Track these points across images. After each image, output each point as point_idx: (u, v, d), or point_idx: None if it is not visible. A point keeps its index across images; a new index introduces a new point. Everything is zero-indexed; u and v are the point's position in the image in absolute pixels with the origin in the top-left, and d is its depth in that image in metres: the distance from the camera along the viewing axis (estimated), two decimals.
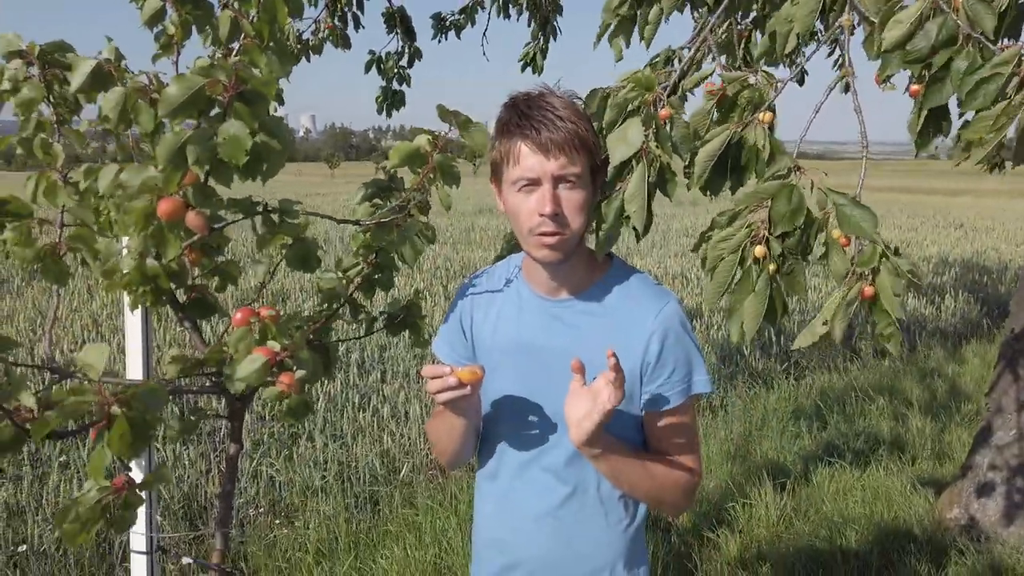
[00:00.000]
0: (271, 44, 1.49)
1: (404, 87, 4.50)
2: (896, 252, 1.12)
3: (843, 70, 1.20)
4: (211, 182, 1.22)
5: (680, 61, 1.96)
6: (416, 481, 3.93)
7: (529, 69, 4.48)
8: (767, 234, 1.15)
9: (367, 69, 4.41)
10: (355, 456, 4.04)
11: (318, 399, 4.77)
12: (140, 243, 1.28)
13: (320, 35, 3.99)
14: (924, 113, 1.14)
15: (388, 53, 4.42)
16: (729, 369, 6.19)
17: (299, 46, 3.99)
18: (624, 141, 1.24)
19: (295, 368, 1.34)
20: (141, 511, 1.54)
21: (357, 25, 4.19)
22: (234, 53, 1.48)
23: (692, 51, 1.51)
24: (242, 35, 1.48)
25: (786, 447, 4.51)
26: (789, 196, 1.14)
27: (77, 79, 1.38)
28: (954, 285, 10.02)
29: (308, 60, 4.09)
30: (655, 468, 1.30)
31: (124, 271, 1.31)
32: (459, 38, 4.78)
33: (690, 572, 3.09)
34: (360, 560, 3.17)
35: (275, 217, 1.32)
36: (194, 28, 1.50)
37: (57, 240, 1.42)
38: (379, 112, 4.44)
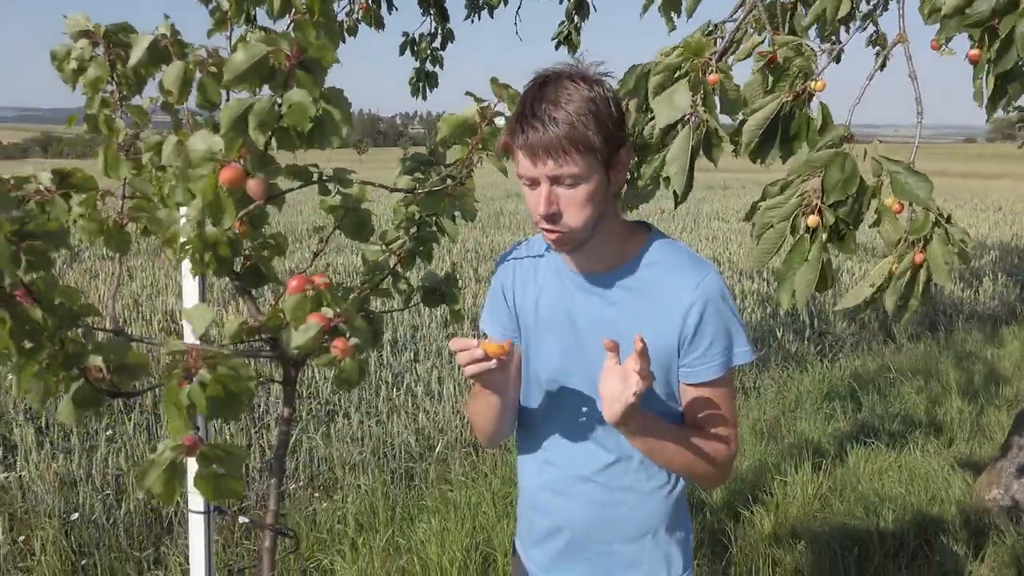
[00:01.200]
0: (321, 19, 1.53)
1: (437, 69, 4.52)
2: (948, 220, 1.12)
3: (897, 36, 1.20)
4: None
5: (723, 36, 1.96)
6: (451, 458, 3.99)
7: (564, 48, 4.47)
8: (819, 203, 1.16)
9: (401, 51, 4.43)
10: (390, 433, 4.10)
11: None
12: (199, 212, 1.32)
13: (354, 16, 4.02)
14: (992, 78, 1.14)
15: (421, 35, 4.44)
16: (762, 351, 6.16)
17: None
18: (670, 105, 1.25)
19: (348, 334, 1.38)
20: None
21: (391, 6, 4.21)
22: (286, 28, 1.52)
23: (741, 18, 1.51)
24: (292, 10, 1.51)
25: (820, 428, 4.50)
26: (842, 165, 1.15)
27: (135, 55, 1.42)
28: (993, 268, 9.85)
29: (344, 41, 4.12)
30: (691, 443, 1.30)
31: (184, 239, 1.35)
32: (492, 17, 4.77)
33: (724, 548, 3.10)
34: (398, 532, 3.23)
35: (330, 186, 1.36)
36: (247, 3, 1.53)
37: (119, 211, 1.48)
38: (413, 94, 4.47)
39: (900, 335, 6.77)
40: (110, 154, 1.51)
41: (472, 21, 4.92)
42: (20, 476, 3.35)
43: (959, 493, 3.59)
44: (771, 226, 1.19)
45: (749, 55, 1.33)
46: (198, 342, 1.60)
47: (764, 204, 1.19)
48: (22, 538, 2.99)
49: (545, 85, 1.22)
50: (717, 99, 1.31)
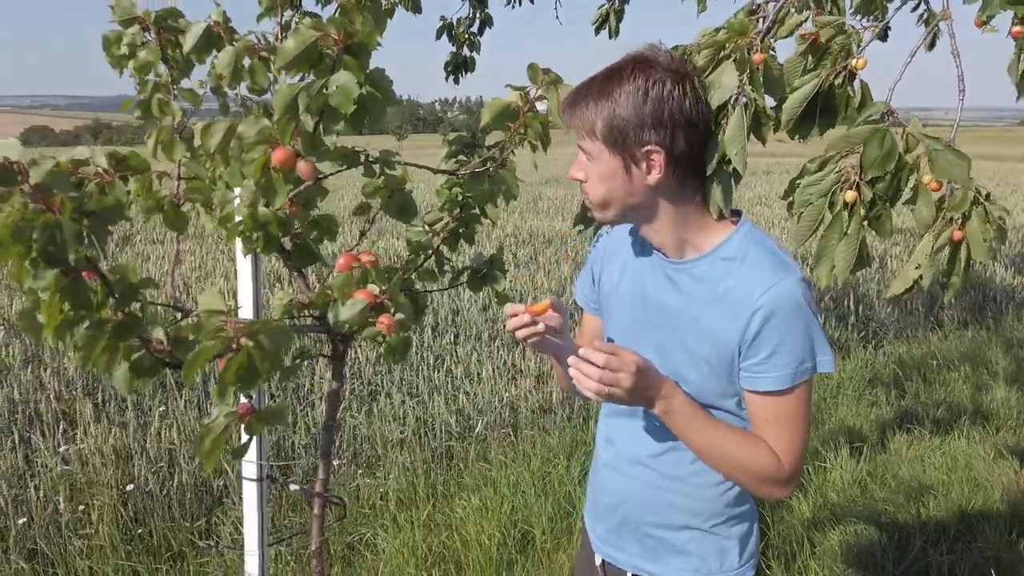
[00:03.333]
0: (368, 3, 1.57)
1: (474, 54, 4.54)
2: (988, 198, 1.12)
3: (942, 12, 1.19)
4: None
5: (764, 18, 1.95)
6: (490, 438, 4.05)
7: (604, 32, 4.45)
8: (857, 179, 1.16)
9: (438, 36, 4.46)
10: (431, 413, 4.17)
11: None
12: (251, 192, 1.38)
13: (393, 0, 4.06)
14: None
15: (459, 19, 4.46)
16: None
17: None
18: (719, 86, 1.26)
19: (393, 311, 1.43)
20: (252, 442, 1.68)
21: None
22: (334, 12, 1.56)
23: (780, 1, 1.51)
24: None
25: (862, 414, 4.45)
26: (881, 141, 1.15)
27: (190, 40, 1.48)
28: None
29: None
30: (731, 444, 1.26)
31: (238, 219, 1.41)
32: (532, 2, 4.77)
33: (761, 532, 3.11)
34: (438, 509, 3.30)
35: (376, 167, 1.40)
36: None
37: (175, 191, 1.54)
38: (447, 79, 4.50)
39: (948, 322, 6.63)
40: (164, 136, 1.57)
41: (513, 6, 4.94)
42: (80, 449, 3.50)
43: (1005, 480, 3.54)
44: (810, 203, 1.20)
45: (791, 34, 1.33)
46: (250, 314, 1.66)
47: (803, 181, 1.20)
48: (82, 507, 3.13)
49: (614, 68, 1.25)
50: (763, 76, 1.31)
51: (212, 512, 3.22)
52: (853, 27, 1.36)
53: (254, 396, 1.77)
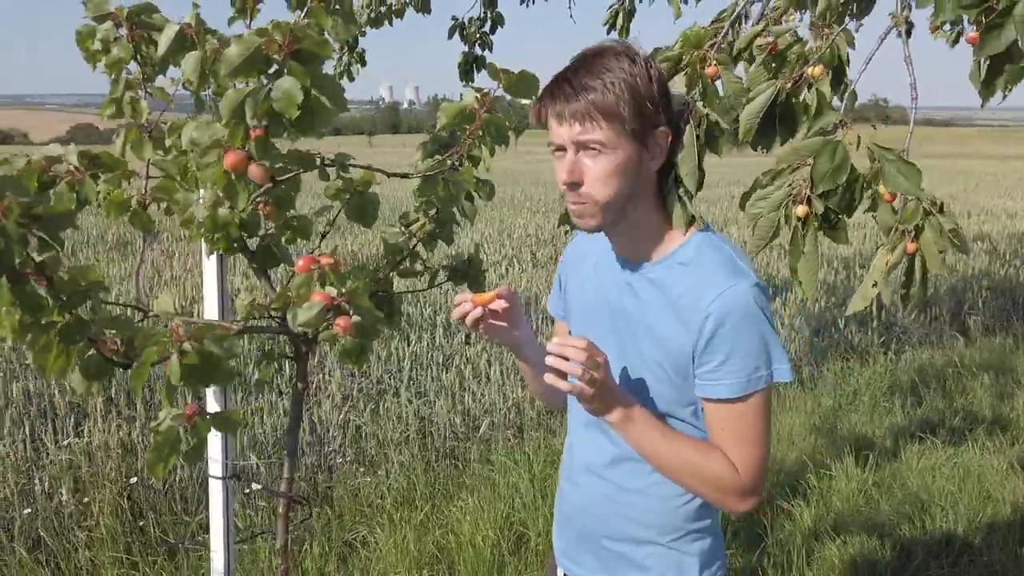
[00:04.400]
0: (337, 7, 1.57)
1: (486, 52, 4.54)
2: (940, 210, 1.08)
3: (895, 18, 1.16)
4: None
5: (747, 18, 1.92)
6: (494, 439, 4.04)
7: (614, 32, 4.42)
8: (809, 193, 1.14)
9: (450, 35, 4.48)
10: (437, 412, 4.19)
11: (404, 358, 4.96)
12: (213, 194, 1.39)
13: (403, 0, 4.08)
14: (985, 62, 1.10)
15: (471, 19, 4.47)
16: (823, 342, 5.99)
17: (383, 9, 4.09)
18: None
19: (352, 313, 1.43)
20: (217, 441, 1.69)
21: None
22: (303, 15, 1.57)
23: (739, 6, 1.48)
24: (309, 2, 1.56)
25: (876, 422, 4.36)
26: (832, 154, 1.12)
27: (163, 44, 1.48)
28: None
29: (391, 24, 4.20)
30: (691, 458, 1.23)
31: (199, 220, 1.43)
32: (546, 0, 4.76)
33: (759, 538, 3.07)
34: (436, 509, 3.31)
35: (331, 171, 1.41)
36: None
37: (143, 191, 1.56)
38: (461, 79, 4.51)
39: (973, 328, 6.47)
40: (132, 135, 1.58)
41: (527, 5, 4.93)
42: (87, 443, 3.58)
43: (1017, 493, 3.44)
44: (761, 215, 1.17)
45: (748, 45, 1.31)
46: (215, 318, 1.68)
47: (755, 194, 1.18)
48: (85, 500, 3.19)
49: (587, 58, 1.21)
50: (721, 90, 1.29)
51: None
52: (846, 31, 1.34)
53: (230, 397, 1.78)
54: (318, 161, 1.40)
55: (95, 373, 1.26)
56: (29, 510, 3.07)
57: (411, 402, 4.26)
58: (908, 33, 1.32)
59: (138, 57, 1.64)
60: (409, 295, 6.04)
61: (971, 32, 1.09)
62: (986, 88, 1.07)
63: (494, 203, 14.62)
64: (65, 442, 3.57)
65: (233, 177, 1.34)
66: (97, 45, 1.62)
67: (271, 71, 1.25)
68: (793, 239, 1.18)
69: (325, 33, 1.59)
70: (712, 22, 2.08)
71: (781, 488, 3.47)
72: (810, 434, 4.14)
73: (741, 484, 1.23)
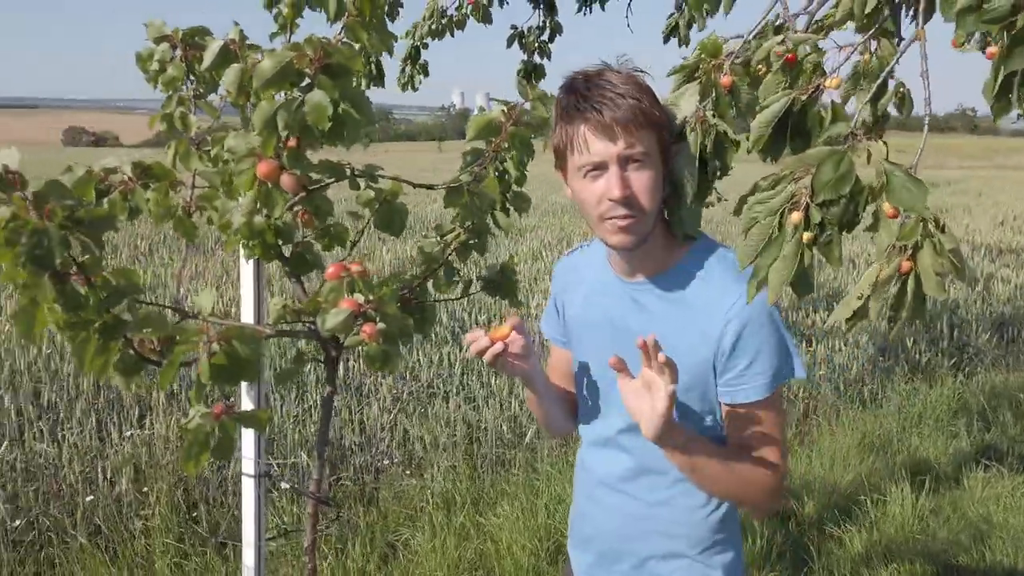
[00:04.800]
0: (373, 21, 1.62)
1: (545, 61, 4.56)
2: (942, 229, 1.04)
3: (917, 32, 1.12)
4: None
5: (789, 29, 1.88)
6: (540, 447, 4.05)
7: (674, 41, 4.37)
8: (808, 201, 1.11)
9: (509, 44, 4.51)
10: (484, 418, 4.21)
11: (455, 363, 5.00)
12: (250, 202, 1.45)
13: (463, 11, 4.14)
14: (1001, 77, 1.06)
15: (530, 28, 4.49)
16: (888, 362, 5.78)
17: (443, 21, 4.16)
18: (675, 110, 1.23)
19: (378, 320, 1.47)
20: (250, 440, 1.75)
21: (502, 0, 4.30)
22: (339, 30, 1.62)
23: (769, 15, 1.46)
24: (346, 14, 1.61)
25: (939, 446, 4.19)
26: (837, 164, 1.09)
27: (207, 59, 1.56)
28: None
29: (452, 35, 4.26)
30: (736, 466, 1.24)
31: (235, 227, 1.48)
32: (603, 9, 4.75)
33: (803, 562, 2.98)
34: (478, 514, 3.33)
35: (360, 181, 1.44)
36: (307, 8, 1.65)
37: (188, 200, 1.63)
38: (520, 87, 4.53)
39: None
40: (182, 147, 1.66)
41: (584, 14, 4.93)
42: (148, 434, 3.73)
43: None
44: (757, 221, 1.15)
45: (767, 56, 1.29)
46: (252, 321, 1.74)
47: (752, 199, 1.15)
48: (144, 490, 3.34)
49: (591, 77, 1.22)
50: (735, 100, 1.28)
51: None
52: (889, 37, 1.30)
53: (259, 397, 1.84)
54: (348, 171, 1.44)
55: (130, 370, 1.32)
56: (91, 497, 3.23)
57: (460, 407, 4.30)
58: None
59: (191, 76, 1.73)
60: (464, 302, 6.11)
61: (991, 48, 1.05)
62: (998, 103, 1.03)
63: (554, 210, 14.62)
64: (128, 433, 3.74)
65: (269, 186, 1.39)
66: (155, 65, 1.71)
67: (304, 84, 1.31)
68: (775, 241, 1.13)
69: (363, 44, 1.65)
70: (757, 32, 2.06)
71: (831, 511, 3.36)
72: (867, 457, 4.01)
73: (777, 482, 1.26)
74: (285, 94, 1.31)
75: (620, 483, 1.37)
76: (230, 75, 1.49)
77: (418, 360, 4.94)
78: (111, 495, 3.28)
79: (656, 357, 1.12)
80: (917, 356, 5.90)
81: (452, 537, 3.12)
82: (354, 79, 1.34)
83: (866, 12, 1.21)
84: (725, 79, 1.21)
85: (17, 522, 3.06)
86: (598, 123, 1.17)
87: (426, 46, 4.43)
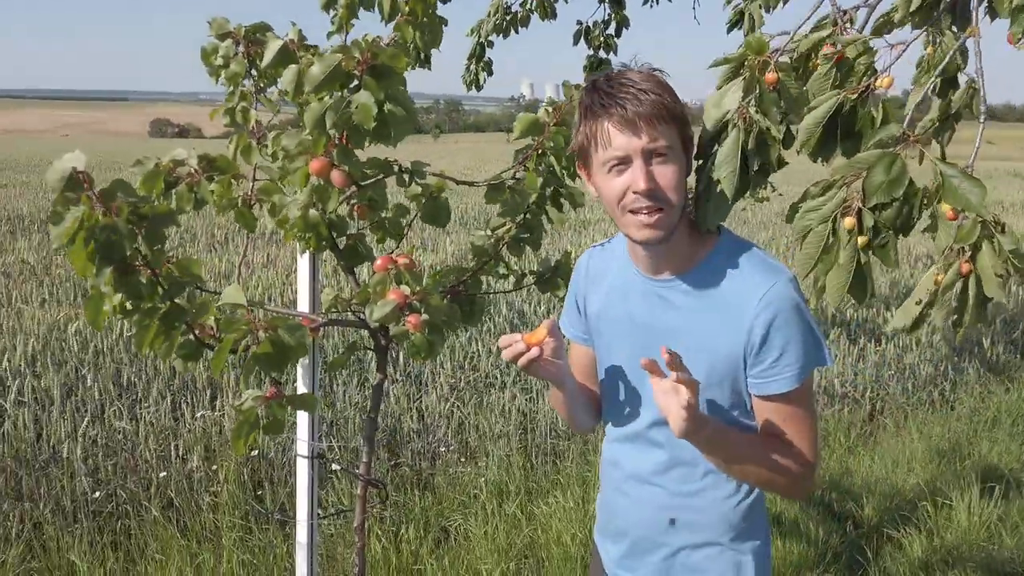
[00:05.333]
0: (424, 20, 1.66)
1: (611, 55, 4.54)
2: (1002, 229, 1.02)
3: (969, 29, 1.10)
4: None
5: (851, 24, 1.85)
6: (592, 439, 4.06)
7: (736, 31, 4.29)
8: (860, 205, 1.10)
9: (575, 40, 4.51)
10: (539, 409, 4.25)
11: None
12: (306, 197, 1.52)
13: (527, 7, 4.16)
14: None
15: (595, 23, 4.48)
16: (963, 362, 5.57)
17: (507, 18, 4.20)
18: (718, 105, 1.24)
19: (423, 311, 1.52)
20: (305, 422, 1.83)
21: None
22: (392, 29, 1.67)
23: (810, 13, 1.44)
24: (399, 14, 1.66)
25: (1012, 451, 4.02)
26: (889, 166, 1.08)
27: (267, 57, 1.63)
28: None
29: (516, 32, 4.29)
30: (765, 455, 1.26)
31: (291, 221, 1.56)
32: (670, 1, 4.70)
33: (860, 566, 2.92)
34: (529, 502, 3.38)
35: (406, 176, 1.50)
36: (362, 9, 1.71)
37: (248, 192, 1.72)
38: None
39: None
40: (243, 142, 1.74)
41: (651, 6, 4.88)
42: (220, 415, 3.92)
43: None
44: (811, 229, 1.15)
45: (812, 52, 1.28)
46: (307, 310, 1.82)
47: (804, 206, 1.15)
48: (214, 467, 3.51)
49: (613, 77, 1.24)
50: (780, 97, 1.27)
51: (324, 485, 3.50)
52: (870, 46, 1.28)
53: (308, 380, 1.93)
54: (396, 168, 1.49)
55: (191, 354, 1.41)
56: (165, 473, 3.41)
57: (515, 397, 4.35)
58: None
59: (252, 71, 1.81)
60: (524, 294, 6.15)
61: None
62: None
63: None
64: (200, 413, 3.93)
65: (322, 182, 1.46)
66: (219, 60, 1.80)
67: (352, 85, 1.36)
68: (830, 249, 1.14)
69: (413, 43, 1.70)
70: (814, 26, 2.04)
71: (891, 515, 3.28)
72: (933, 460, 3.88)
73: (808, 470, 1.28)
74: (334, 94, 1.38)
75: (652, 476, 1.39)
76: (288, 76, 1.55)
77: (476, 351, 5.01)
78: (183, 471, 3.46)
79: (675, 369, 1.12)
80: (994, 357, 5.66)
81: (503, 524, 3.18)
82: (400, 79, 1.39)
83: (911, 10, 1.18)
84: (770, 76, 1.21)
85: (97, 493, 3.27)
86: (622, 118, 1.18)
87: (491, 44, 4.48)
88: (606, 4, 4.53)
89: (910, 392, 4.91)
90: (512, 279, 1.94)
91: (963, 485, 3.48)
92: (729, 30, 4.33)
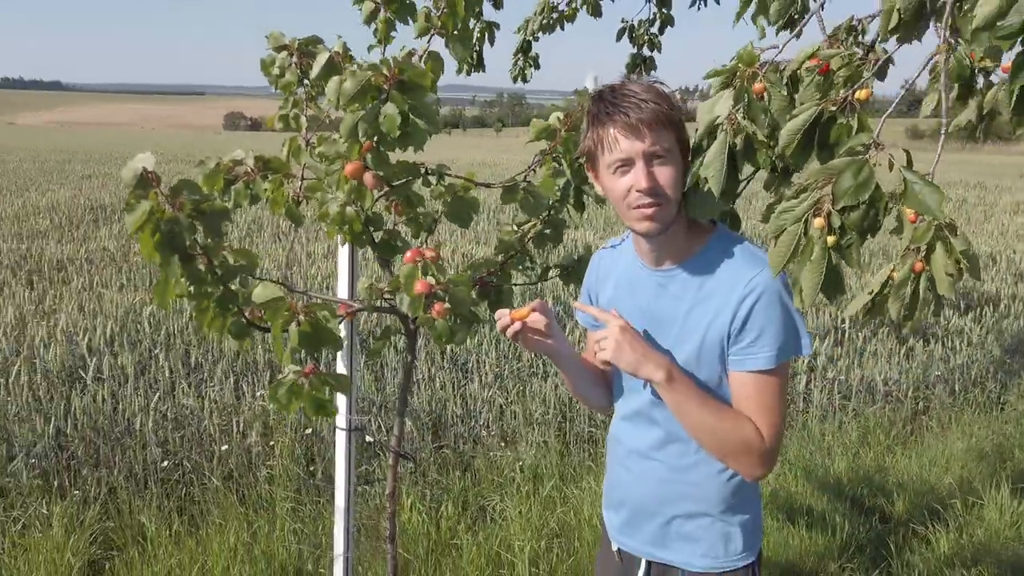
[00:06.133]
0: (455, 33, 1.83)
1: (655, 53, 4.63)
2: (953, 232, 1.12)
3: (939, 47, 1.20)
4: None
5: (863, 32, 1.94)
6: None
7: (785, 33, 4.33)
8: (830, 207, 1.22)
9: (618, 37, 4.60)
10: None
11: None
12: (344, 195, 1.70)
13: (573, 5, 4.28)
14: (1016, 93, 1.12)
15: (640, 21, 4.57)
16: (1018, 362, 5.47)
17: (554, 16, 4.33)
18: (710, 112, 1.36)
19: (446, 300, 1.69)
20: (344, 400, 2.02)
21: None
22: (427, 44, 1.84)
23: (799, 27, 1.54)
24: (432, 29, 1.83)
25: None
26: (856, 172, 1.19)
27: (316, 68, 1.83)
28: None
29: (562, 29, 4.42)
30: (721, 417, 1.38)
31: (331, 216, 1.74)
32: (718, 3, 4.75)
33: (882, 557, 2.98)
34: (563, 486, 3.53)
35: (431, 178, 1.66)
36: (399, 24, 1.88)
37: (297, 190, 1.91)
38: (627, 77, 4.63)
39: None
40: (294, 145, 1.94)
41: (698, 8, 4.94)
42: None
43: None
44: (784, 228, 1.27)
45: (801, 65, 1.39)
46: (345, 297, 2.01)
47: (779, 207, 1.27)
48: (271, 443, 3.77)
49: (616, 88, 1.39)
50: (768, 105, 1.39)
51: (371, 461, 3.72)
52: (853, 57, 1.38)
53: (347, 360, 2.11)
54: (422, 170, 1.66)
55: (240, 333, 1.61)
56: (226, 446, 3.69)
57: (557, 388, 4.50)
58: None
59: (304, 81, 2.01)
60: (572, 287, 6.28)
61: (1006, 63, 1.11)
62: (1018, 116, 1.09)
63: None
64: (260, 392, 4.21)
65: (357, 183, 1.64)
66: (276, 71, 2.00)
67: (383, 97, 1.54)
68: (804, 248, 1.26)
69: (447, 51, 1.87)
70: (830, 35, 2.13)
71: (921, 512, 3.31)
72: (972, 461, 3.87)
73: (764, 449, 1.39)
74: (368, 106, 1.55)
75: (651, 451, 1.53)
76: (330, 88, 1.74)
77: None
78: (242, 446, 3.73)
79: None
80: None
81: (537, 506, 3.34)
82: (424, 92, 1.55)
83: (889, 27, 1.28)
84: (758, 86, 1.33)
85: (165, 463, 3.56)
86: (626, 124, 1.33)
87: (537, 39, 4.62)
88: (652, 3, 4.62)
89: (957, 393, 4.87)
90: (537, 271, 2.10)
91: (998, 485, 3.48)
92: (777, 32, 4.37)
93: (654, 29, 4.64)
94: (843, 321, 5.87)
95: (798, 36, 1.54)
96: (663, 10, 4.64)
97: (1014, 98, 1.13)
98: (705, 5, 4.85)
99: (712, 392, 1.44)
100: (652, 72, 4.88)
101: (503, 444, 4.02)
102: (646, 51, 4.70)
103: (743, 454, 1.39)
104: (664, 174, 1.35)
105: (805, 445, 4.04)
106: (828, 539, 3.06)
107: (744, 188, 1.76)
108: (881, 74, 1.37)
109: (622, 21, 4.65)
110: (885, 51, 1.38)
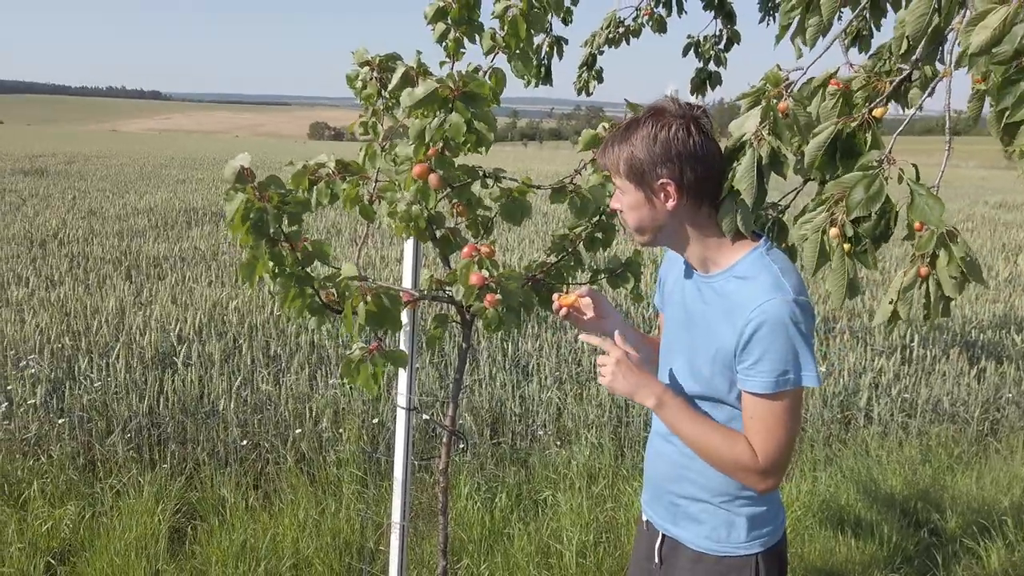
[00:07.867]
0: (516, 52, 2.01)
1: (720, 68, 4.72)
2: (954, 239, 1.23)
3: (944, 70, 1.30)
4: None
5: (894, 52, 2.03)
6: None
7: (855, 48, 4.36)
8: (844, 218, 1.34)
9: (684, 53, 4.71)
10: (636, 403, 4.50)
11: None
12: (411, 195, 1.90)
13: (639, 20, 4.43)
14: (997, 114, 1.23)
15: (706, 37, 4.67)
16: None
17: (620, 31, 4.48)
18: (739, 129, 1.50)
19: (498, 292, 1.86)
20: (404, 380, 2.22)
21: (680, 10, 4.53)
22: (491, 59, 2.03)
23: (821, 52, 1.65)
24: (497, 48, 2.01)
25: None
26: (868, 185, 1.31)
27: (393, 81, 2.04)
28: None
29: (628, 43, 4.56)
30: (711, 437, 1.49)
31: (398, 213, 1.95)
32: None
33: (927, 567, 2.99)
34: (613, 487, 3.65)
35: (489, 180, 1.85)
36: (467, 42, 2.08)
37: (371, 191, 2.13)
38: (692, 92, 4.74)
39: None
40: (370, 150, 2.16)
41: (767, 24, 5.01)
42: (348, 386, 4.44)
43: None
44: (807, 237, 1.39)
45: (823, 85, 1.51)
46: (409, 286, 2.22)
47: (801, 219, 1.40)
48: (340, 429, 4.02)
49: (624, 126, 1.54)
50: (792, 122, 1.52)
51: (434, 453, 3.93)
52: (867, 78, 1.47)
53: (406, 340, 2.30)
54: (480, 174, 1.85)
55: (316, 310, 1.83)
56: (299, 430, 3.96)
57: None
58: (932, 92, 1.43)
59: (383, 93, 2.23)
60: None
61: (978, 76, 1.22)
62: (1007, 135, 1.19)
63: None
64: (331, 382, 4.48)
65: (423, 183, 1.84)
66: (359, 84, 2.23)
67: (448, 106, 1.73)
68: (822, 252, 1.38)
69: (511, 70, 2.06)
70: (871, 54, 2.22)
71: (972, 528, 3.29)
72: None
73: (759, 467, 1.48)
74: (433, 114, 1.75)
75: (669, 435, 1.66)
76: (404, 95, 1.94)
77: (581, 345, 5.31)
78: (314, 431, 3.99)
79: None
80: None
81: (587, 502, 3.47)
82: (485, 103, 1.74)
83: (900, 52, 1.40)
84: (782, 104, 1.46)
85: (245, 442, 3.85)
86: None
87: (602, 52, 4.77)
88: (718, 20, 4.72)
89: None
90: (588, 273, 2.25)
91: None
92: (846, 49, 4.41)
93: (720, 45, 4.74)
94: (912, 339, 5.79)
95: (820, 56, 1.66)
96: (729, 26, 4.74)
97: (1001, 121, 1.24)
98: (774, 20, 4.93)
99: (726, 396, 1.54)
100: (717, 87, 4.97)
101: (558, 444, 4.17)
102: (712, 66, 4.81)
103: (739, 470, 1.49)
104: (623, 202, 1.54)
105: (862, 460, 4.04)
106: (875, 549, 3.09)
107: (794, 199, 1.90)
108: (897, 94, 1.48)
109: (688, 37, 4.77)
110: (900, 71, 1.49)
